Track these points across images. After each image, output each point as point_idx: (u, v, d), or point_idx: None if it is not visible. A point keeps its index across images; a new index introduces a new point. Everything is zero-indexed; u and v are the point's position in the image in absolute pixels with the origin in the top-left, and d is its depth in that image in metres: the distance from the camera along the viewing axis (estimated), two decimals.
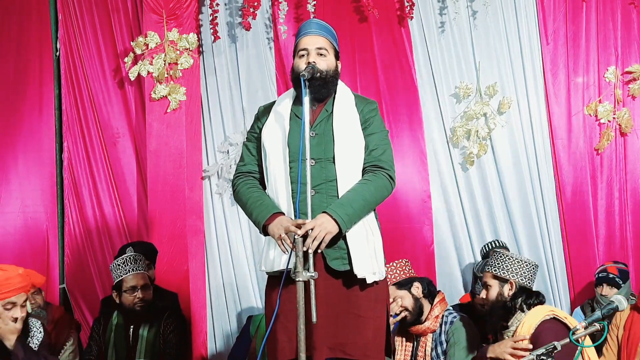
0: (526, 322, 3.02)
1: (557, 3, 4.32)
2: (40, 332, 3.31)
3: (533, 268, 3.14)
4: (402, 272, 3.47)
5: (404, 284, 3.44)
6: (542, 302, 3.11)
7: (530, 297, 3.09)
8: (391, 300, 3.39)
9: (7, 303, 3.09)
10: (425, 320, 3.40)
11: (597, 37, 4.27)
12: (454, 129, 4.40)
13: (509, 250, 4.18)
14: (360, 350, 2.54)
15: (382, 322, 2.63)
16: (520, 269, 3.09)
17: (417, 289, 3.44)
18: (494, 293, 3.11)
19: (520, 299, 3.07)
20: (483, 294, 3.17)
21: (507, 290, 3.09)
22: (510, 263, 3.10)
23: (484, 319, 3.27)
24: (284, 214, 2.54)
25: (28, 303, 3.27)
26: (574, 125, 4.30)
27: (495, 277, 3.11)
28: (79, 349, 4.17)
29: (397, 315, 3.39)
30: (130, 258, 3.80)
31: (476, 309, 3.64)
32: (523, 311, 3.07)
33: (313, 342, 2.46)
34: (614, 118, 4.22)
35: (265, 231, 2.56)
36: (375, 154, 2.62)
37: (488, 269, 3.15)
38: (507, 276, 3.09)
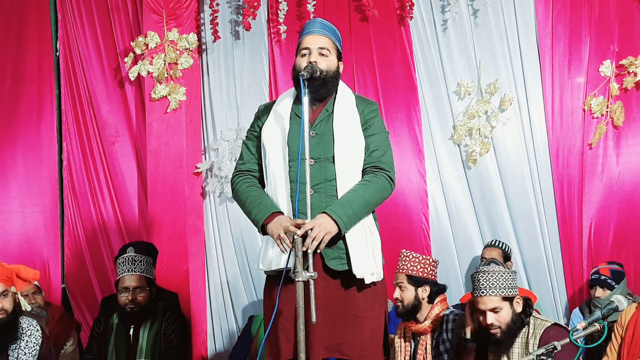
0: (531, 333, 2.97)
1: (555, 1, 4.32)
2: (38, 330, 3.29)
3: (516, 274, 3.09)
4: (420, 269, 3.42)
5: (416, 281, 3.41)
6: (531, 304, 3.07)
7: (530, 306, 3.03)
8: (394, 283, 3.41)
9: None
10: (424, 320, 3.39)
11: (595, 33, 4.26)
12: (455, 128, 4.40)
13: (510, 250, 4.19)
14: (357, 350, 2.54)
15: (380, 323, 2.63)
16: (514, 282, 3.00)
17: (423, 291, 3.41)
18: (507, 316, 2.98)
19: (527, 311, 3.02)
20: (490, 319, 2.97)
21: (517, 307, 3.00)
22: (511, 279, 2.99)
23: (496, 343, 3.06)
24: (283, 213, 2.54)
25: (12, 297, 3.23)
26: (572, 122, 4.28)
27: (505, 298, 2.98)
28: (79, 349, 4.17)
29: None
30: (129, 258, 3.79)
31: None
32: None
33: (310, 342, 2.46)
34: (607, 112, 4.21)
35: (264, 230, 2.55)
36: (375, 155, 2.61)
37: (493, 292, 2.97)
38: (513, 293, 2.99)
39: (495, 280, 2.98)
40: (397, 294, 3.41)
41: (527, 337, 2.97)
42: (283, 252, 2.46)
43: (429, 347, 3.37)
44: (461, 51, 4.44)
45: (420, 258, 3.46)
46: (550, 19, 4.31)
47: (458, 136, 4.38)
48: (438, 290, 3.46)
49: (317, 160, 2.57)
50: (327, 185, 2.56)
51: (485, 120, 4.35)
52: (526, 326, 3.00)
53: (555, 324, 3.01)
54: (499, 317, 2.98)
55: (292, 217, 2.51)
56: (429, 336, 3.38)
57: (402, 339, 3.49)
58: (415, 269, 3.42)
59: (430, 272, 3.46)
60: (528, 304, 3.05)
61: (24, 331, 3.24)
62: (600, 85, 4.23)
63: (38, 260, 4.86)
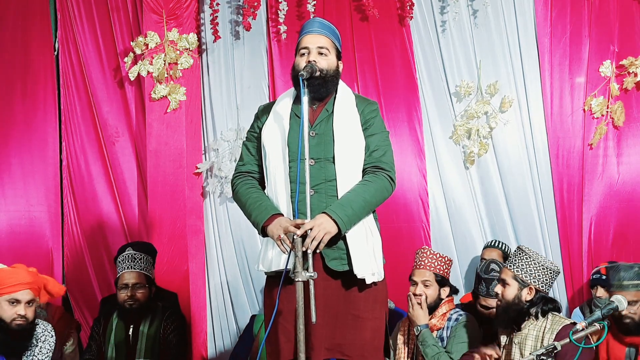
0: (547, 327, 2.97)
1: (555, 1, 4.32)
2: (52, 335, 3.30)
3: (555, 274, 3.07)
4: (445, 269, 3.45)
5: (441, 280, 3.43)
6: (558, 309, 3.06)
7: (547, 304, 3.02)
8: (418, 279, 3.41)
9: (12, 299, 3.10)
10: (431, 318, 3.39)
11: (595, 33, 4.26)
12: (455, 128, 4.40)
13: (509, 250, 4.19)
14: (358, 350, 2.54)
15: (381, 323, 2.63)
16: (544, 276, 3.01)
17: (444, 291, 3.44)
18: (511, 293, 3.03)
19: (537, 307, 3.01)
20: (498, 289, 3.08)
21: (526, 295, 3.01)
22: (535, 268, 3.01)
23: (494, 315, 3.21)
24: (283, 215, 2.54)
25: (35, 307, 3.24)
26: (572, 123, 4.29)
27: (516, 277, 3.02)
28: (79, 349, 4.17)
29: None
30: (128, 256, 3.80)
31: (478, 310, 3.62)
32: (537, 318, 3.02)
33: (311, 342, 2.46)
34: (607, 112, 4.21)
35: (264, 233, 2.55)
36: (376, 155, 2.61)
37: (510, 266, 3.06)
38: (529, 280, 3.00)
39: (520, 260, 3.05)
40: (420, 289, 3.39)
41: (544, 332, 2.97)
42: (284, 252, 2.46)
43: None
44: (461, 51, 4.44)
45: (446, 259, 3.48)
46: (550, 19, 4.32)
47: (457, 136, 4.38)
48: (454, 291, 3.49)
49: (317, 161, 2.57)
50: (328, 186, 2.56)
51: (485, 121, 4.35)
52: (543, 321, 3.00)
53: (574, 323, 2.99)
54: (505, 291, 3.05)
55: (292, 218, 2.51)
56: (434, 334, 3.37)
57: (405, 337, 3.48)
58: (441, 268, 3.44)
59: (449, 272, 3.49)
60: (546, 302, 3.03)
61: (38, 336, 3.24)
62: (601, 85, 4.23)
63: (42, 259, 4.85)
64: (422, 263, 3.45)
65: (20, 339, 3.16)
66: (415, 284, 3.42)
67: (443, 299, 3.44)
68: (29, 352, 3.19)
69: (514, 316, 3.03)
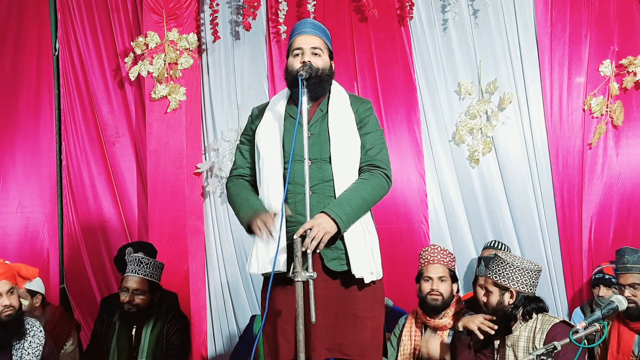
0: (538, 328, 2.99)
1: (555, 1, 4.32)
2: (41, 331, 3.32)
3: (535, 274, 3.07)
4: (453, 263, 3.48)
5: (452, 275, 3.46)
6: (544, 309, 3.07)
7: (531, 304, 3.04)
8: (434, 275, 3.40)
9: None
10: (444, 317, 3.40)
11: (595, 32, 4.26)
12: (456, 128, 4.40)
13: (509, 251, 4.19)
14: (358, 350, 2.54)
15: (380, 322, 2.63)
16: (522, 277, 3.03)
17: (454, 287, 3.47)
18: (494, 300, 3.07)
19: (521, 308, 3.03)
20: (483, 298, 3.14)
21: (508, 299, 3.04)
22: (511, 271, 3.03)
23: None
24: (268, 212, 2.54)
25: (17, 295, 3.27)
26: (571, 122, 4.29)
27: (496, 284, 3.06)
28: (79, 349, 4.17)
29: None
30: (136, 259, 3.79)
31: (476, 292, 3.63)
32: (525, 319, 3.03)
33: (311, 342, 2.46)
34: (607, 112, 4.21)
35: (250, 230, 2.57)
36: (371, 153, 2.61)
37: (489, 274, 3.10)
38: (508, 284, 3.03)
39: (497, 266, 3.08)
40: (436, 285, 3.38)
41: (534, 332, 2.99)
42: (261, 237, 2.49)
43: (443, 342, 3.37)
44: (461, 51, 4.44)
45: (449, 252, 3.51)
46: (550, 19, 4.32)
47: (459, 136, 4.37)
48: (457, 286, 3.52)
49: (313, 161, 2.57)
50: (325, 186, 2.56)
51: (487, 119, 4.35)
52: (534, 321, 3.02)
53: (563, 321, 3.02)
54: (488, 299, 3.11)
55: (286, 219, 2.51)
56: (445, 333, 3.38)
57: (410, 334, 3.48)
58: (451, 263, 3.48)
59: (454, 266, 3.53)
60: (529, 302, 3.04)
61: (27, 331, 3.25)
62: (600, 85, 4.23)
63: (38, 260, 4.84)
64: (435, 258, 3.45)
65: (12, 329, 3.18)
66: (430, 279, 3.41)
67: (454, 295, 3.45)
68: (19, 345, 3.20)
69: (500, 321, 3.06)
